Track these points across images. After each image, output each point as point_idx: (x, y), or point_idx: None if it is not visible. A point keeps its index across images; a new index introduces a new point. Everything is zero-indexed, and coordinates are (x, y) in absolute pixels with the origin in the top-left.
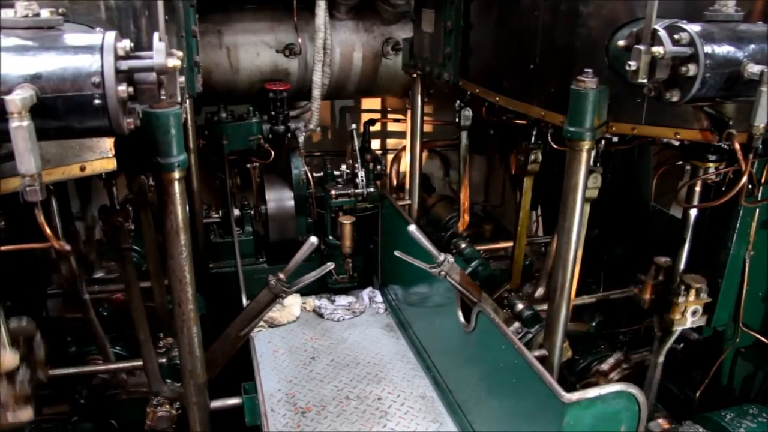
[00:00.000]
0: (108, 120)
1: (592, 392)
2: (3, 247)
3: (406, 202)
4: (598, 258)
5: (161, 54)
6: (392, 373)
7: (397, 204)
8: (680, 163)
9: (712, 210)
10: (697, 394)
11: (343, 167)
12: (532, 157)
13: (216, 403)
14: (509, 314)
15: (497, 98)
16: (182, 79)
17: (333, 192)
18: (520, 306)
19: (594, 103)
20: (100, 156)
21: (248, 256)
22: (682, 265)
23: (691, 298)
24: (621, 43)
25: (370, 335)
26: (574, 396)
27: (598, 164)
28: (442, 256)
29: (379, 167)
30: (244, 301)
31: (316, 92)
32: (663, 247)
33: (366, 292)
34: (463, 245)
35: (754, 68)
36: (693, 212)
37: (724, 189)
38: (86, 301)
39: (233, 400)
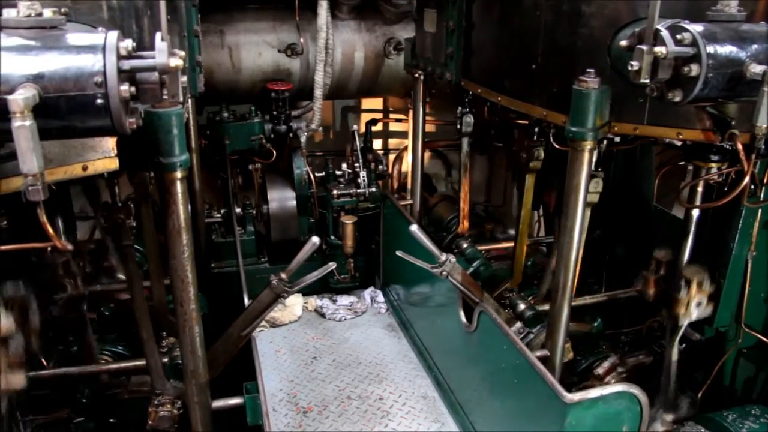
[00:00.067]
0: (110, 120)
1: (593, 392)
2: (5, 247)
3: (407, 202)
4: (600, 258)
5: (163, 54)
6: (394, 373)
7: (398, 204)
8: (682, 163)
9: (714, 210)
10: (699, 395)
11: (344, 167)
12: (534, 154)
13: (218, 403)
14: (511, 314)
15: (499, 98)
16: (184, 78)
17: (335, 192)
18: (521, 306)
19: (596, 103)
20: (103, 155)
21: (250, 255)
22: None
23: (693, 291)
24: (623, 43)
25: (372, 335)
26: (576, 396)
27: (599, 169)
28: (443, 256)
29: (380, 167)
30: (246, 301)
31: (318, 92)
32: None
33: (368, 292)
34: (465, 245)
35: (756, 68)
36: (695, 213)
37: (726, 189)
38: (83, 300)
39: (235, 400)
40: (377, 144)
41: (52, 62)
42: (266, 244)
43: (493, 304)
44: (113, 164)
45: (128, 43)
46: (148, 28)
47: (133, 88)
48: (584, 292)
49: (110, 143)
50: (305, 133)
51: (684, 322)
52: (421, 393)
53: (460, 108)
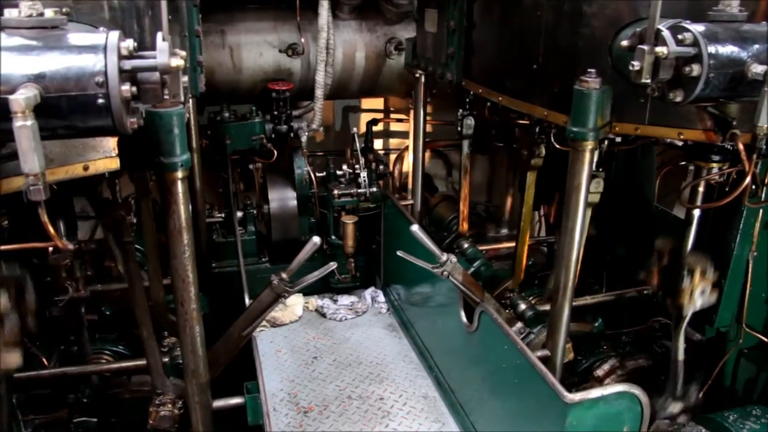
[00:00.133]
0: (111, 119)
1: (594, 393)
2: (6, 247)
3: (408, 202)
4: (601, 258)
5: (164, 54)
6: (394, 373)
7: (399, 204)
8: (683, 163)
9: (715, 211)
10: (701, 395)
11: (345, 167)
12: (536, 151)
13: (218, 403)
14: (512, 314)
15: (500, 98)
16: (185, 78)
17: (336, 192)
18: (522, 306)
19: (597, 103)
20: (104, 155)
21: (251, 255)
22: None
23: (696, 279)
24: (624, 43)
25: (373, 335)
26: (577, 396)
27: (600, 169)
28: (444, 256)
29: (381, 167)
30: (247, 301)
31: (319, 92)
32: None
33: (368, 292)
34: (466, 245)
35: (757, 68)
36: (696, 213)
37: (727, 189)
38: (82, 302)
39: (236, 400)
40: (378, 144)
41: (53, 62)
42: (267, 244)
43: (494, 304)
44: (114, 164)
45: (129, 43)
46: (150, 28)
47: (134, 88)
48: (585, 292)
49: (111, 143)
50: (306, 133)
51: (689, 312)
52: (422, 393)
53: (460, 110)
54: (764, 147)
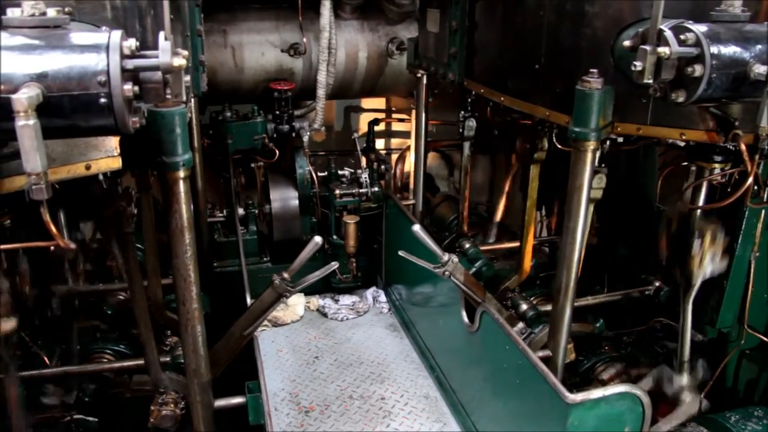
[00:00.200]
0: (113, 119)
1: (596, 393)
2: (8, 246)
3: (410, 202)
4: (603, 259)
5: (167, 53)
6: (396, 372)
7: (401, 204)
8: (685, 163)
9: (717, 211)
10: (702, 396)
11: (347, 170)
12: (538, 144)
13: (220, 402)
14: (513, 314)
15: (502, 98)
16: (187, 78)
17: (337, 191)
18: (524, 306)
19: (599, 103)
20: (106, 155)
21: (252, 255)
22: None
23: (707, 244)
24: (627, 43)
25: (374, 335)
26: (578, 397)
27: (603, 165)
28: (446, 256)
29: (383, 167)
30: (248, 301)
31: (321, 92)
32: (667, 248)
33: (370, 292)
34: (467, 245)
35: (760, 69)
36: (698, 213)
37: (729, 190)
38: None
39: (237, 399)
40: (380, 144)
41: (55, 61)
42: (268, 244)
43: (495, 305)
44: (116, 163)
45: (132, 43)
46: (152, 27)
47: (136, 88)
48: (587, 292)
49: (113, 142)
50: (308, 133)
51: (698, 280)
52: (423, 393)
53: (462, 112)
54: (766, 147)
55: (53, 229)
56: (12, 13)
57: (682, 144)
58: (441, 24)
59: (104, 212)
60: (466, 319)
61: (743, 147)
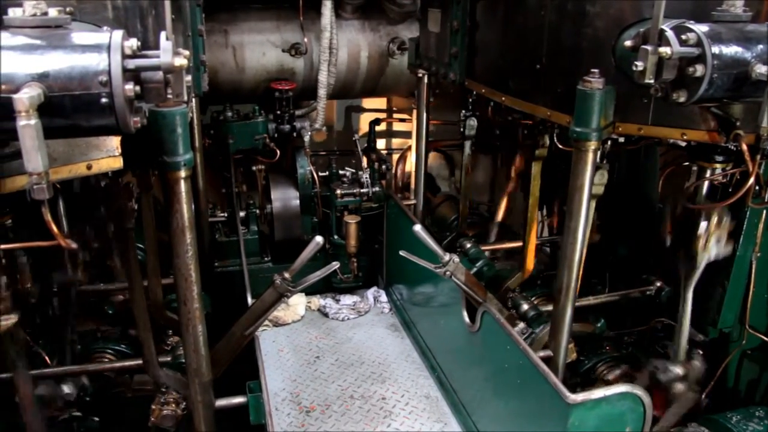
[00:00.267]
0: (115, 118)
1: (597, 393)
2: (10, 245)
3: (411, 202)
4: (604, 259)
5: (168, 53)
6: (397, 372)
7: (402, 203)
8: (687, 163)
9: None
10: (703, 396)
11: (348, 170)
12: (540, 141)
13: (221, 402)
14: (514, 314)
15: (503, 98)
16: (189, 78)
17: (338, 191)
18: (525, 306)
19: (600, 103)
20: (107, 154)
21: (253, 255)
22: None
23: (713, 225)
24: (628, 43)
25: (375, 335)
26: (579, 397)
27: (605, 161)
28: (447, 256)
29: (384, 167)
30: (249, 300)
31: (322, 92)
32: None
33: (371, 292)
34: (468, 245)
35: (761, 69)
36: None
37: (730, 190)
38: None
39: (238, 399)
40: (381, 144)
41: (57, 61)
42: (269, 244)
43: (496, 304)
44: (117, 163)
45: (133, 43)
46: (153, 27)
47: (137, 87)
48: (588, 292)
49: (114, 142)
50: (309, 133)
51: (702, 262)
52: (424, 393)
53: (463, 111)
54: None
55: (54, 228)
56: (13, 12)
57: (684, 144)
58: (442, 24)
59: (105, 209)
60: (467, 319)
61: (744, 147)
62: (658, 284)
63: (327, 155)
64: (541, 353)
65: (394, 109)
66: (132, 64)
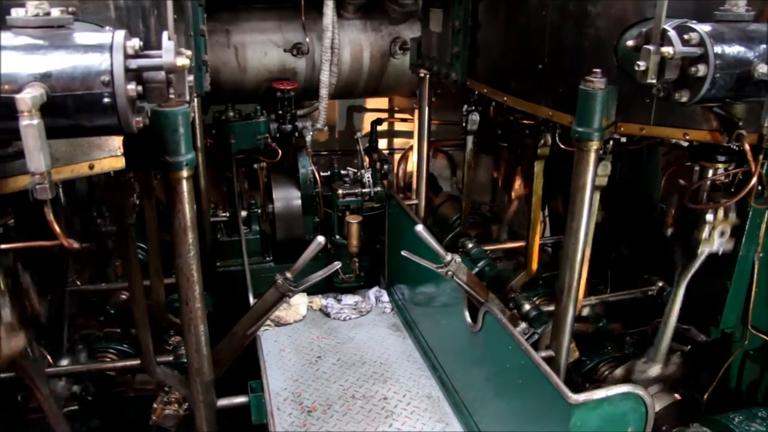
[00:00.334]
0: (117, 118)
1: (599, 393)
2: (12, 245)
3: (413, 202)
4: (606, 258)
5: (170, 53)
6: (398, 372)
7: (404, 203)
8: (689, 163)
9: None
10: (705, 397)
11: (350, 169)
12: (542, 140)
13: (222, 402)
14: (516, 314)
15: (505, 98)
16: (191, 78)
17: (340, 191)
18: (527, 306)
19: (602, 103)
20: (109, 154)
21: (255, 254)
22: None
23: (720, 215)
24: (630, 43)
25: (377, 335)
26: (581, 397)
27: (608, 152)
28: (449, 256)
29: (386, 167)
30: (251, 300)
31: (324, 91)
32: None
33: (372, 292)
34: (470, 245)
35: (764, 68)
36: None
37: (733, 190)
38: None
39: (240, 399)
40: (383, 143)
41: (59, 61)
42: (271, 244)
43: (498, 305)
44: (119, 163)
45: (135, 43)
46: (155, 27)
47: (140, 87)
48: (590, 292)
49: (117, 142)
50: (310, 133)
51: (703, 252)
52: (426, 393)
53: (465, 106)
54: None
55: (57, 228)
56: (16, 13)
57: (686, 144)
58: (444, 24)
59: (106, 205)
60: (468, 319)
61: (747, 147)
62: (660, 284)
63: (329, 155)
64: (543, 353)
65: (396, 109)
66: (134, 64)
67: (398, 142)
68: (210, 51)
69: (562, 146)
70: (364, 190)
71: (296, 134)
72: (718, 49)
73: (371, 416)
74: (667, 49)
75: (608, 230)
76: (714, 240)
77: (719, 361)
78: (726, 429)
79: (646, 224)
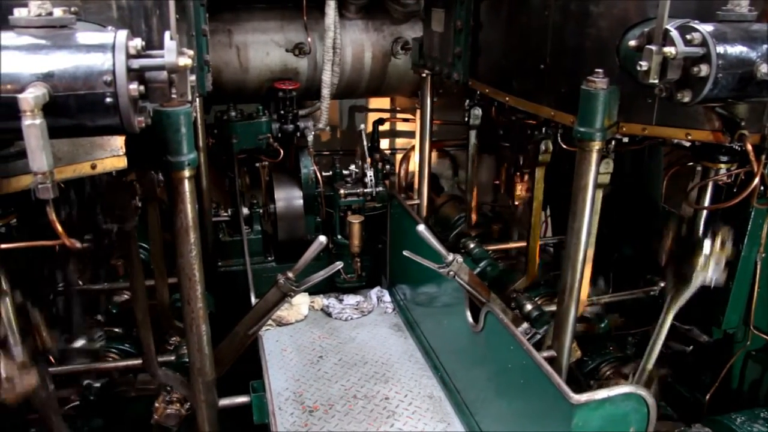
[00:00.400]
0: (119, 118)
1: (600, 394)
2: (14, 245)
3: (414, 202)
4: (608, 259)
5: (172, 53)
6: (400, 372)
7: (405, 203)
8: (691, 164)
9: (723, 212)
10: (707, 397)
11: (352, 167)
12: (543, 147)
13: (224, 401)
14: (518, 315)
15: (507, 98)
16: (192, 77)
17: (342, 191)
18: (528, 306)
19: (604, 103)
20: (111, 154)
21: (257, 254)
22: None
23: (717, 245)
24: (632, 43)
25: (378, 335)
26: (583, 397)
27: (611, 150)
28: (450, 256)
29: (388, 167)
30: (253, 300)
31: (326, 91)
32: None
33: (374, 292)
34: (472, 245)
35: (766, 68)
36: (703, 214)
37: (735, 191)
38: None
39: (241, 399)
40: (384, 143)
41: (62, 61)
42: (273, 243)
43: (500, 305)
44: (121, 163)
45: (137, 42)
46: (157, 27)
47: (142, 87)
48: (591, 292)
49: (119, 142)
50: (312, 133)
51: (697, 281)
52: (427, 393)
53: (467, 101)
54: None
55: (59, 228)
56: (19, 13)
57: (688, 144)
58: (446, 24)
59: (108, 206)
60: (470, 319)
61: (749, 147)
62: (662, 284)
63: (330, 155)
64: (545, 353)
65: (398, 108)
66: (136, 63)
67: (400, 142)
68: (212, 51)
69: (564, 146)
70: (366, 190)
71: (298, 134)
72: (720, 49)
73: (373, 416)
74: (669, 49)
75: (611, 230)
76: (709, 269)
77: (721, 361)
78: (728, 430)
79: (649, 224)
